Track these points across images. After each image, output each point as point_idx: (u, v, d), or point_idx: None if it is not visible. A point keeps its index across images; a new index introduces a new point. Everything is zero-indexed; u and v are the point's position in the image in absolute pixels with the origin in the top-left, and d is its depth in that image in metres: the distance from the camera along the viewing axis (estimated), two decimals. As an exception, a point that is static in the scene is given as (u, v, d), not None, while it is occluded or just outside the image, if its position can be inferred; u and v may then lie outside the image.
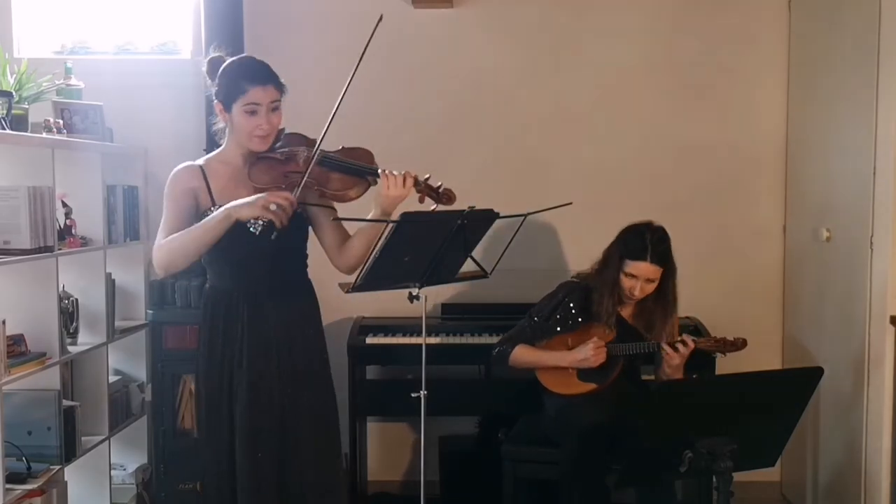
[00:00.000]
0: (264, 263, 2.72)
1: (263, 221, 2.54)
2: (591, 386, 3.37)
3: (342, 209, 2.78)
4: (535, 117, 4.30)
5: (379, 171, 2.66)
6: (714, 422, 2.50)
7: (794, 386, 2.64)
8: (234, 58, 2.76)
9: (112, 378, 3.95)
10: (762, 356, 4.24)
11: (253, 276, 2.74)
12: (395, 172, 2.64)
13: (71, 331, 3.69)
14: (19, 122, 3.37)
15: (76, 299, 3.73)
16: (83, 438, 3.66)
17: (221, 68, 2.71)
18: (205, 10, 3.92)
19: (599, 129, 4.30)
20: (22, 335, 3.32)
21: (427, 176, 2.71)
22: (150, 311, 4.00)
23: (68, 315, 3.67)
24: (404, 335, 3.89)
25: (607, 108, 4.30)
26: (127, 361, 4.17)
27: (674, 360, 3.25)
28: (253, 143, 2.69)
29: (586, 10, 4.27)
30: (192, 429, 3.88)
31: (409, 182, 2.64)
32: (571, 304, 3.43)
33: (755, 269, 4.33)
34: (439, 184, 2.72)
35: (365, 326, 4.01)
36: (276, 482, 2.73)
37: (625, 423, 3.07)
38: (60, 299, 3.49)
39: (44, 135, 3.46)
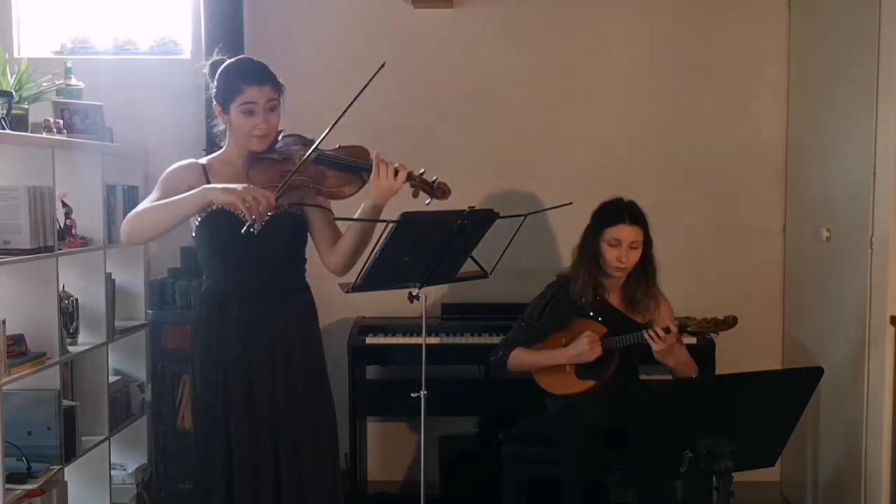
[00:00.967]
0: (261, 266, 2.72)
1: (241, 215, 2.54)
2: (591, 383, 3.36)
3: (337, 207, 2.77)
4: (535, 117, 4.30)
5: (372, 160, 2.64)
6: (714, 422, 2.50)
7: (794, 386, 2.64)
8: (232, 59, 2.76)
9: (112, 378, 3.95)
10: (762, 356, 4.25)
11: (249, 278, 2.73)
12: (388, 161, 2.62)
13: (71, 331, 3.69)
14: (19, 122, 3.37)
15: (76, 299, 3.73)
16: (83, 438, 3.66)
17: (219, 70, 2.72)
18: (205, 10, 3.92)
19: (599, 129, 4.30)
20: (22, 335, 3.32)
21: (422, 171, 2.70)
22: (150, 311, 4.00)
23: (68, 315, 3.67)
24: (404, 335, 3.89)
25: (607, 108, 4.30)
26: (127, 361, 4.17)
27: (657, 347, 3.22)
28: (251, 143, 2.69)
29: (586, 10, 4.27)
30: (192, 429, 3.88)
31: (403, 176, 2.62)
32: (559, 302, 3.43)
33: (755, 269, 4.33)
34: (434, 178, 2.72)
35: (365, 326, 4.01)
36: (274, 484, 2.72)
37: (625, 424, 3.07)
38: (60, 299, 3.49)
39: (44, 135, 3.46)
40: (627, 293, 3.40)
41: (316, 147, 2.64)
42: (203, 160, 2.79)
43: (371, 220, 2.67)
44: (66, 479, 3.56)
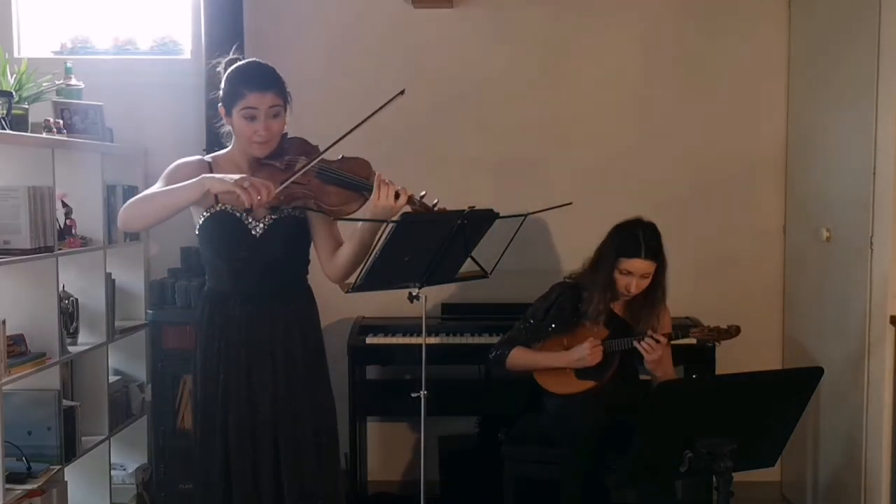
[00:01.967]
0: (263, 267, 2.72)
1: (241, 214, 2.51)
2: (590, 384, 3.37)
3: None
4: (535, 117, 4.30)
5: (374, 179, 2.62)
6: (714, 422, 2.50)
7: (794, 386, 2.64)
8: (241, 62, 2.73)
9: (112, 378, 3.95)
10: (762, 356, 4.25)
11: (251, 279, 2.73)
12: (389, 183, 2.60)
13: (71, 331, 3.69)
14: (19, 122, 3.37)
15: (76, 299, 3.73)
16: (83, 438, 3.66)
17: (226, 72, 2.71)
18: (205, 10, 3.92)
19: (599, 130, 4.30)
20: (22, 335, 3.32)
21: (423, 193, 2.69)
22: (150, 311, 4.00)
23: (68, 315, 3.67)
24: (404, 335, 3.89)
25: (607, 109, 4.30)
26: (127, 361, 4.17)
27: (649, 356, 3.24)
28: (252, 148, 2.68)
29: (586, 10, 4.27)
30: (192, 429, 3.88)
31: (403, 199, 2.60)
32: (565, 305, 3.43)
33: (755, 269, 4.33)
34: (435, 201, 2.70)
35: (365, 326, 4.01)
36: (275, 484, 2.72)
37: (625, 423, 3.07)
38: (60, 299, 3.49)
39: (44, 135, 3.46)
40: (634, 308, 3.41)
41: (318, 158, 2.63)
42: (209, 157, 2.78)
43: (371, 220, 2.66)
44: (66, 479, 3.56)
